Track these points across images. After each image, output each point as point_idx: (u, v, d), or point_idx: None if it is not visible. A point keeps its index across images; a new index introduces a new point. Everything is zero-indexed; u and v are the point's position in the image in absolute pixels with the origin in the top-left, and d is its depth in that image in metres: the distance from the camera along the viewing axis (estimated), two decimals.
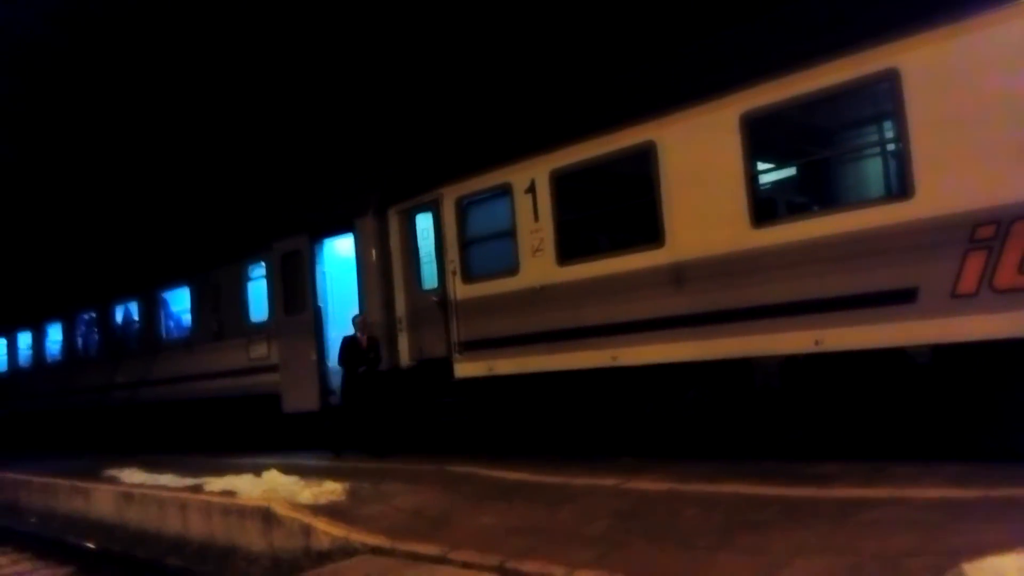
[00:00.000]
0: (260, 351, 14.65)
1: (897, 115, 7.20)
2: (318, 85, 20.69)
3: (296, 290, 13.74)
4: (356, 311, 12.65)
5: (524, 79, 17.01)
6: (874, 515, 5.75)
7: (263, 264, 14.71)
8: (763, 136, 8.20)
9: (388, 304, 12.39)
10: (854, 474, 7.00)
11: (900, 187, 7.33)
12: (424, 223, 12.05)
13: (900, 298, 7.07)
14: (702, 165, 8.50)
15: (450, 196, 11.39)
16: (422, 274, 12.13)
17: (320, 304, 13.33)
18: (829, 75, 7.53)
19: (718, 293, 8.25)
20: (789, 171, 9.14)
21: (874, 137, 8.45)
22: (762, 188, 8.46)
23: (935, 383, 7.30)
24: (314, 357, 13.18)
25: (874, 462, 7.30)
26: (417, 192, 12.03)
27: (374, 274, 12.49)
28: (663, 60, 9.86)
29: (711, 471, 7.90)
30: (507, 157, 10.64)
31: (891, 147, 7.81)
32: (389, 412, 12.34)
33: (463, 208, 11.28)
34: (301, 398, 13.48)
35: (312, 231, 13.52)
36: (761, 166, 8.40)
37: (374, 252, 12.51)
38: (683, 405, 9.08)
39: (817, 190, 8.66)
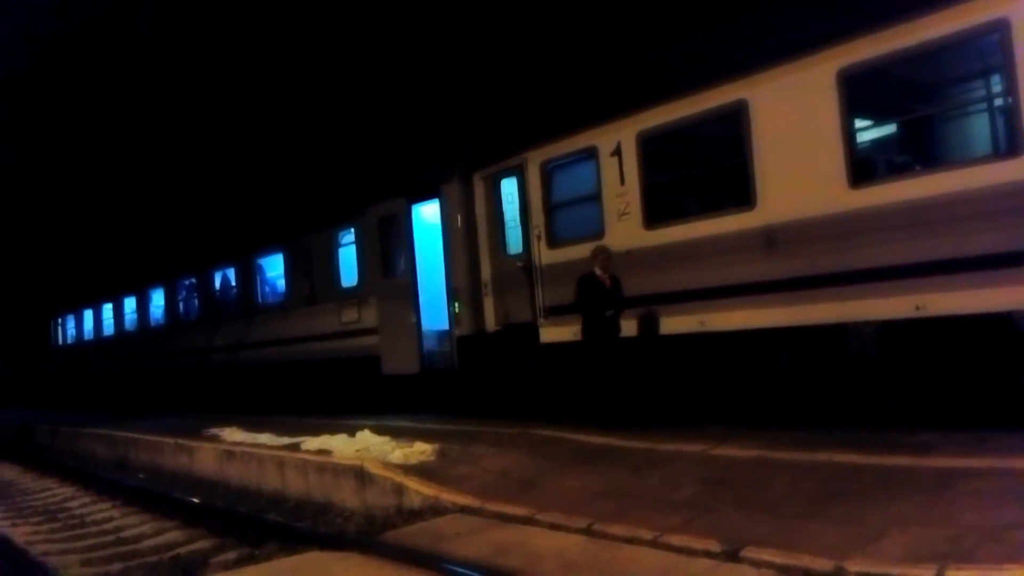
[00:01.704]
0: (352, 315, 15.01)
1: (1006, 68, 6.80)
2: (406, 50, 20.81)
3: (394, 253, 13.87)
4: (442, 277, 12.78)
5: (609, 39, 16.72)
6: (974, 485, 5.56)
7: (355, 229, 14.92)
8: (861, 93, 7.87)
9: (473, 269, 12.50)
10: (953, 443, 6.75)
11: (1009, 145, 6.94)
12: (509, 188, 12.06)
13: (1007, 261, 6.74)
14: (796, 124, 8.23)
15: (535, 160, 11.35)
16: (507, 239, 12.18)
17: (417, 267, 13.35)
18: (932, 27, 7.16)
19: (812, 256, 8.02)
20: (889, 129, 8.74)
21: (980, 92, 7.99)
22: (860, 147, 8.13)
23: None
24: (413, 320, 13.27)
25: (975, 431, 7.02)
26: (502, 157, 12.03)
27: (460, 239, 12.60)
28: (754, 15, 9.53)
29: (802, 439, 7.74)
30: (592, 120, 10.53)
31: (998, 103, 7.38)
32: (634, 371, 10.07)
33: (548, 172, 11.24)
34: (400, 361, 13.62)
35: (409, 195, 13.60)
36: (859, 124, 8.07)
37: (460, 217, 12.60)
38: (774, 372, 8.90)
39: (919, 149, 8.26)
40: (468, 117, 17.44)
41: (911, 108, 8.35)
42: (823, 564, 4.61)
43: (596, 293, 9.59)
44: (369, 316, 14.49)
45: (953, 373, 7.56)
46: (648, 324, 9.80)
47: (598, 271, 9.61)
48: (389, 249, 14.02)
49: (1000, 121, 7.40)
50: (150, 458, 14.26)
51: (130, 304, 25.92)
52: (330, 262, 15.68)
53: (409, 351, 13.34)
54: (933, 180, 7.30)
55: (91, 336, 29.63)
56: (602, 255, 9.62)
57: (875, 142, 8.57)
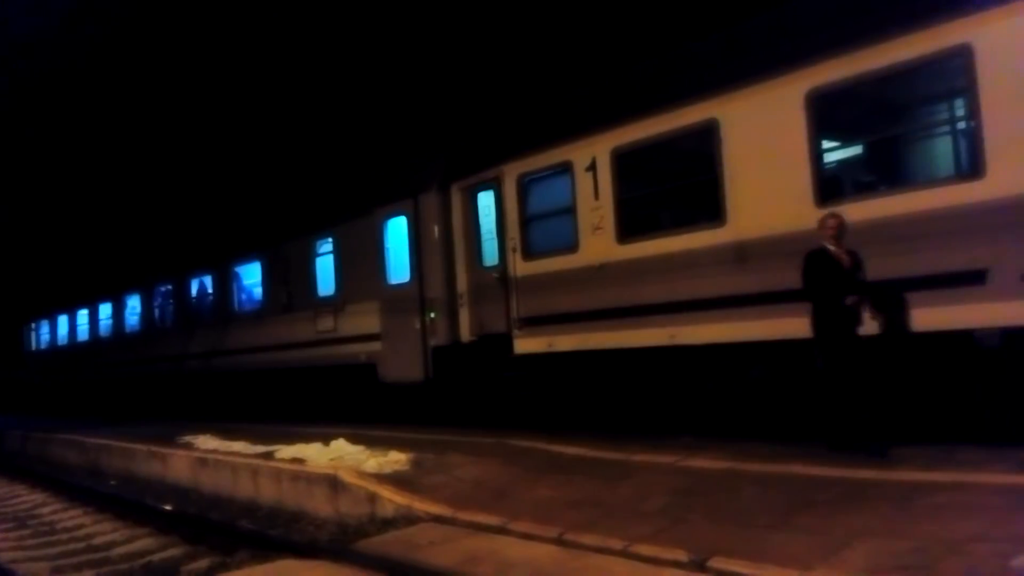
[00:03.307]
0: (330, 323, 14.98)
1: (969, 92, 7.01)
2: (387, 61, 20.91)
3: (399, 257, 13.58)
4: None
5: (585, 56, 16.92)
6: (939, 499, 5.71)
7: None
8: (829, 114, 8.07)
9: (449, 280, 12.57)
10: (918, 458, 6.93)
11: (971, 166, 7.15)
12: (486, 200, 12.17)
13: (969, 280, 6.93)
14: (765, 143, 8.41)
15: (511, 173, 11.48)
16: (483, 251, 12.28)
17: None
18: (899, 51, 7.36)
19: (781, 272, 8.18)
20: (855, 149, 8.96)
21: (944, 115, 8.23)
22: (827, 167, 8.33)
23: (1003, 367, 7.14)
24: (418, 326, 13.04)
25: (939, 446, 7.20)
26: (479, 169, 12.15)
27: (436, 249, 12.67)
28: (725, 35, 9.72)
29: (772, 451, 7.90)
30: (568, 135, 10.67)
31: (962, 125, 7.60)
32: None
33: (524, 185, 11.36)
34: (403, 368, 13.36)
35: (414, 198, 13.31)
36: (826, 144, 8.27)
37: (436, 228, 12.68)
38: (744, 384, 9.05)
39: (884, 169, 8.48)
40: (447, 127, 17.56)
41: (878, 129, 8.56)
42: (788, 575, 4.71)
43: (831, 273, 7.46)
44: (356, 323, 14.39)
45: (917, 389, 7.73)
46: (620, 336, 9.90)
47: (830, 246, 7.54)
48: (395, 253, 13.77)
49: (964, 143, 7.62)
50: (122, 465, 14.15)
51: (106, 310, 25.69)
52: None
53: (413, 358, 13.14)
54: (897, 200, 7.50)
55: (66, 342, 29.32)
56: (832, 223, 7.50)
57: (842, 162, 8.78)
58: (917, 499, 5.77)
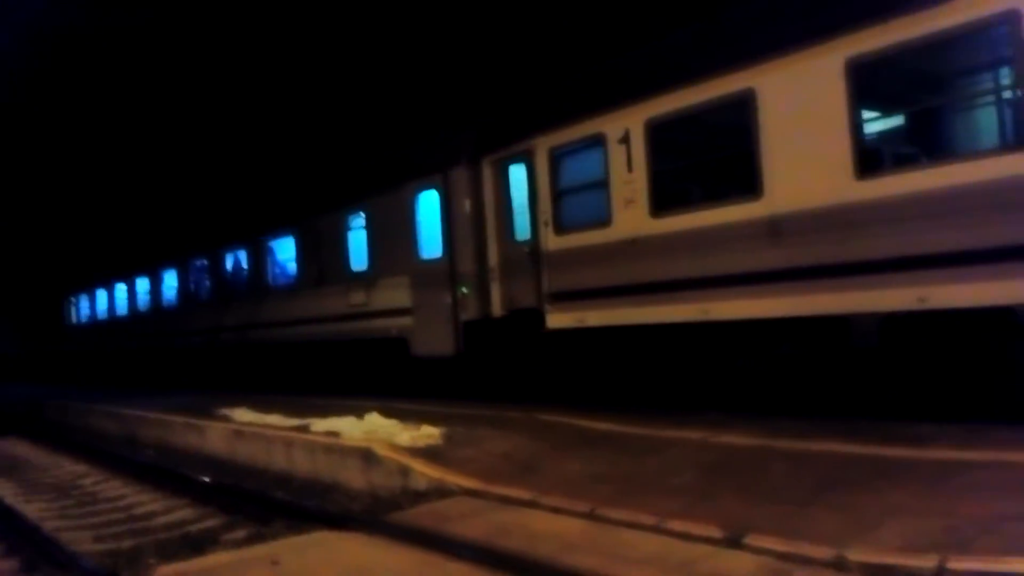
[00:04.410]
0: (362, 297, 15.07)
1: (1015, 61, 6.80)
2: (419, 33, 20.79)
3: (431, 232, 13.58)
4: None
5: (618, 26, 16.68)
6: (972, 478, 5.63)
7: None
8: (870, 83, 7.87)
9: (480, 254, 12.57)
10: (952, 436, 6.82)
11: (1016, 137, 6.95)
12: (517, 174, 12.11)
13: (1013, 255, 6.76)
14: (804, 114, 8.24)
15: (543, 146, 11.39)
16: (515, 225, 12.23)
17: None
18: (941, 18, 7.15)
19: (816, 247, 8.05)
20: (897, 120, 8.75)
21: (989, 85, 7.99)
22: (867, 138, 8.14)
23: None
24: (449, 300, 13.06)
25: (974, 424, 7.08)
26: (510, 142, 12.07)
27: (467, 224, 12.66)
28: (764, 2, 9.51)
29: (802, 428, 7.82)
30: (600, 106, 10.54)
31: (1007, 95, 7.38)
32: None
33: (556, 159, 11.27)
34: (434, 342, 13.45)
35: (445, 172, 13.29)
36: (867, 115, 8.08)
37: (467, 202, 12.66)
38: (775, 361, 8.96)
39: (926, 140, 8.27)
40: (479, 100, 17.45)
41: (920, 99, 8.35)
42: (823, 552, 4.68)
43: None
44: (387, 297, 14.42)
45: (954, 366, 7.60)
46: (651, 312, 9.85)
47: None
48: (427, 227, 13.73)
49: (1009, 113, 7.41)
50: (159, 436, 14.43)
51: (143, 284, 26.14)
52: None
53: (444, 333, 13.14)
54: (940, 172, 7.31)
55: (104, 315, 29.94)
56: None
57: (883, 133, 8.58)
58: (951, 478, 5.69)
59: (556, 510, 6.35)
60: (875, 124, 8.41)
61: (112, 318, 29.01)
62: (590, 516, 6.06)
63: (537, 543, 5.60)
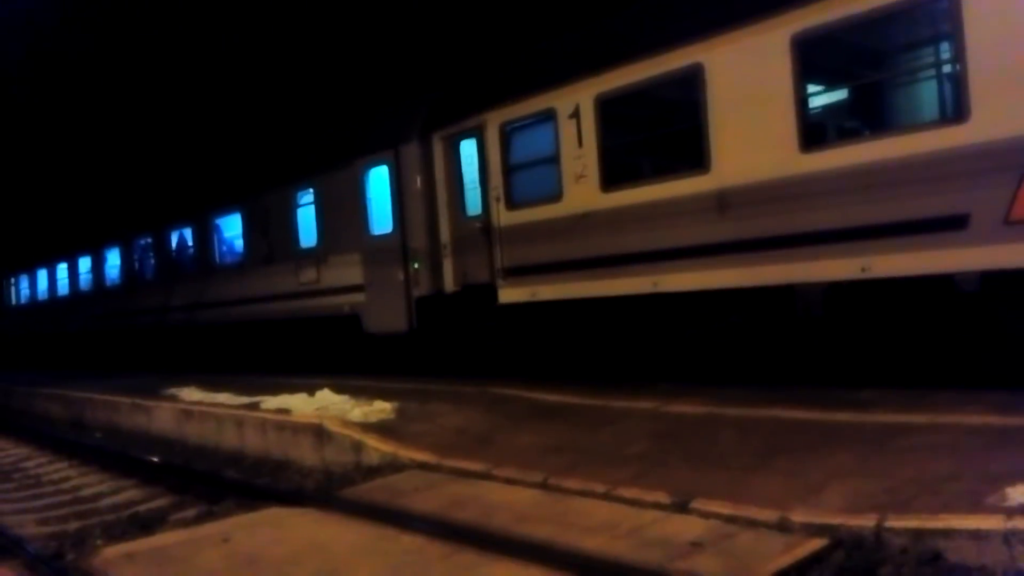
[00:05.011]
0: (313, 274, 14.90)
1: (955, 36, 6.95)
2: (368, 7, 20.47)
3: (381, 208, 13.47)
4: None
5: (568, 1, 16.63)
6: (913, 440, 5.80)
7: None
8: (814, 58, 7.99)
9: (432, 230, 12.51)
10: (895, 401, 7.02)
11: (955, 110, 7.13)
12: (468, 149, 12.05)
13: (951, 224, 6.96)
14: (750, 88, 8.33)
15: (494, 122, 11.34)
16: (466, 200, 12.19)
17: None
18: None
19: (763, 219, 8.18)
20: (840, 94, 8.90)
21: (929, 59, 8.16)
22: (812, 112, 8.28)
23: (981, 311, 7.22)
24: (401, 277, 12.98)
25: (916, 390, 7.30)
26: (461, 117, 12.00)
27: (418, 199, 12.58)
28: None
29: (750, 396, 7.99)
30: (551, 82, 10.53)
31: (947, 69, 7.56)
32: None
33: (507, 134, 11.24)
34: (387, 318, 13.35)
35: (395, 148, 13.12)
36: (811, 89, 8.21)
37: (418, 178, 12.57)
38: (724, 331, 9.12)
39: (868, 114, 8.44)
40: (428, 76, 17.28)
41: (862, 74, 8.50)
42: (768, 515, 4.82)
43: None
44: (339, 275, 14.29)
45: (895, 333, 7.82)
46: (602, 285, 9.93)
47: None
48: (377, 203, 13.60)
49: (948, 87, 7.58)
50: (107, 418, 14.16)
51: (86, 264, 25.45)
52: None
53: (397, 309, 13.06)
54: (881, 144, 7.47)
55: (46, 296, 29.11)
56: None
57: (826, 107, 8.72)
58: (893, 440, 5.86)
59: (510, 481, 6.40)
60: (820, 98, 8.54)
61: (54, 299, 28.23)
62: (543, 486, 6.12)
63: (491, 514, 5.64)
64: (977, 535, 4.11)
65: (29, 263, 30.56)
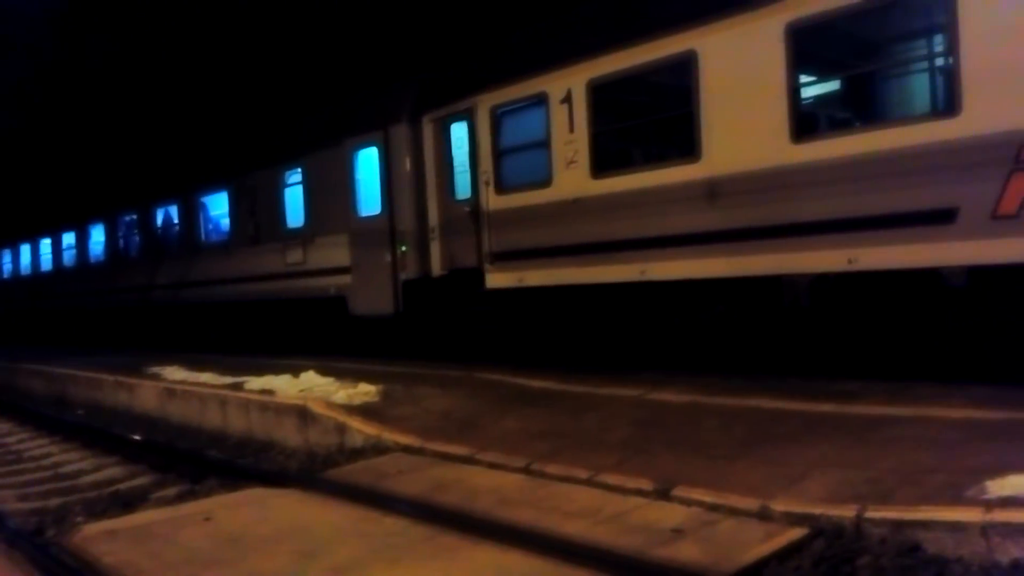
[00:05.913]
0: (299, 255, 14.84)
1: (949, 28, 6.95)
2: None
3: (370, 189, 13.37)
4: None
5: None
6: (895, 432, 5.84)
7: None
8: (808, 48, 7.96)
9: (420, 213, 12.45)
10: (878, 392, 7.07)
11: (947, 104, 7.13)
12: (459, 132, 11.98)
13: (939, 218, 6.97)
14: (743, 77, 8.30)
15: (485, 105, 11.28)
16: (456, 184, 12.14)
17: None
18: None
19: (752, 209, 8.18)
20: (832, 85, 8.89)
21: (922, 52, 8.17)
22: (804, 102, 8.26)
23: (968, 306, 7.26)
24: (388, 259, 12.87)
25: (900, 382, 7.34)
26: (452, 100, 11.92)
27: (407, 182, 12.50)
28: None
29: (734, 385, 8.02)
30: (543, 66, 10.46)
31: (940, 62, 7.56)
32: None
33: (498, 117, 11.18)
34: (373, 301, 13.31)
35: (385, 129, 13.00)
36: (804, 79, 8.18)
37: (408, 160, 12.49)
38: (710, 320, 9.13)
39: (860, 105, 8.44)
40: (420, 57, 17.15)
41: (855, 65, 8.48)
42: (749, 503, 4.84)
43: None
44: (326, 256, 14.21)
45: (881, 326, 7.85)
46: (590, 272, 9.92)
47: None
48: (366, 184, 13.49)
49: (941, 80, 7.58)
50: (90, 395, 14.08)
51: (71, 240, 25.23)
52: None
53: (383, 291, 12.98)
54: (872, 136, 7.46)
55: (29, 272, 28.87)
56: None
57: (819, 97, 8.72)
58: (875, 432, 5.89)
59: (494, 466, 6.40)
60: (812, 88, 8.53)
61: (38, 275, 28.00)
62: (527, 471, 6.13)
63: (474, 498, 5.64)
64: (956, 527, 4.14)
65: (12, 238, 30.28)
